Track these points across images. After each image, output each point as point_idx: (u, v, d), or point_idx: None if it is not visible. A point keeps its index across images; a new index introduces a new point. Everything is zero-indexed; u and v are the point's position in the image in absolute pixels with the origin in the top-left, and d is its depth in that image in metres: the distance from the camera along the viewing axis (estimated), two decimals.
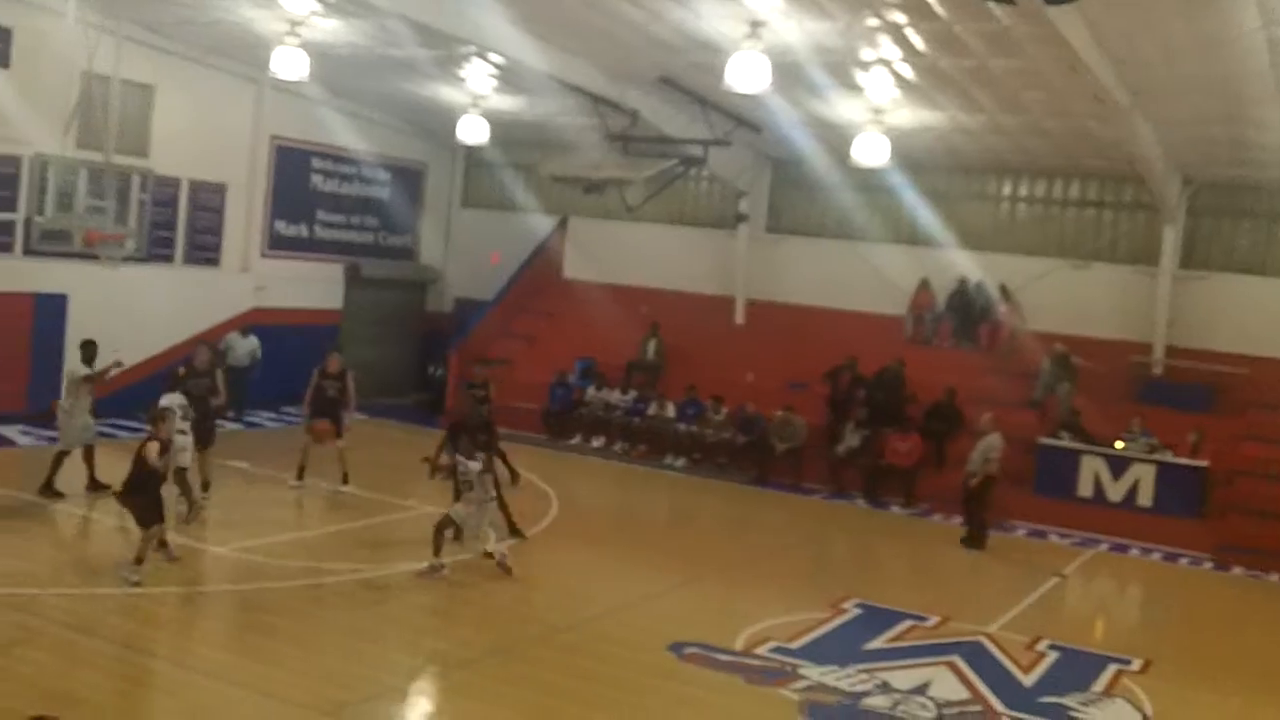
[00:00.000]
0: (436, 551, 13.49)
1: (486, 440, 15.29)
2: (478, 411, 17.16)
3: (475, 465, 13.74)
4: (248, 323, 22.78)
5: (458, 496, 13.90)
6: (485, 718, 9.76)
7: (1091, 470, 19.58)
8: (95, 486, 15.31)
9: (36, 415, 17.09)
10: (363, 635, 11.28)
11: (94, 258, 17.70)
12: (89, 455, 15.45)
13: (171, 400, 14.44)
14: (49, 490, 15.07)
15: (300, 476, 17.14)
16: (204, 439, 15.53)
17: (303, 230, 25.32)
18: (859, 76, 17.61)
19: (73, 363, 15.94)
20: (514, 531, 15.20)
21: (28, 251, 19.22)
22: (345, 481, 17.10)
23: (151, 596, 11.96)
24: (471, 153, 27.01)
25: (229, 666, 10.15)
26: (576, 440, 23.30)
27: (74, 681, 9.48)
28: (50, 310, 19.61)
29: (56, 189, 16.76)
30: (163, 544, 12.70)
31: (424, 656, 11.23)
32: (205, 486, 15.68)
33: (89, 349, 15.61)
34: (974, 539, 17.55)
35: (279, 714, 9.18)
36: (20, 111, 18.30)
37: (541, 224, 27.21)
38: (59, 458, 15.25)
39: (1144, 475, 19.26)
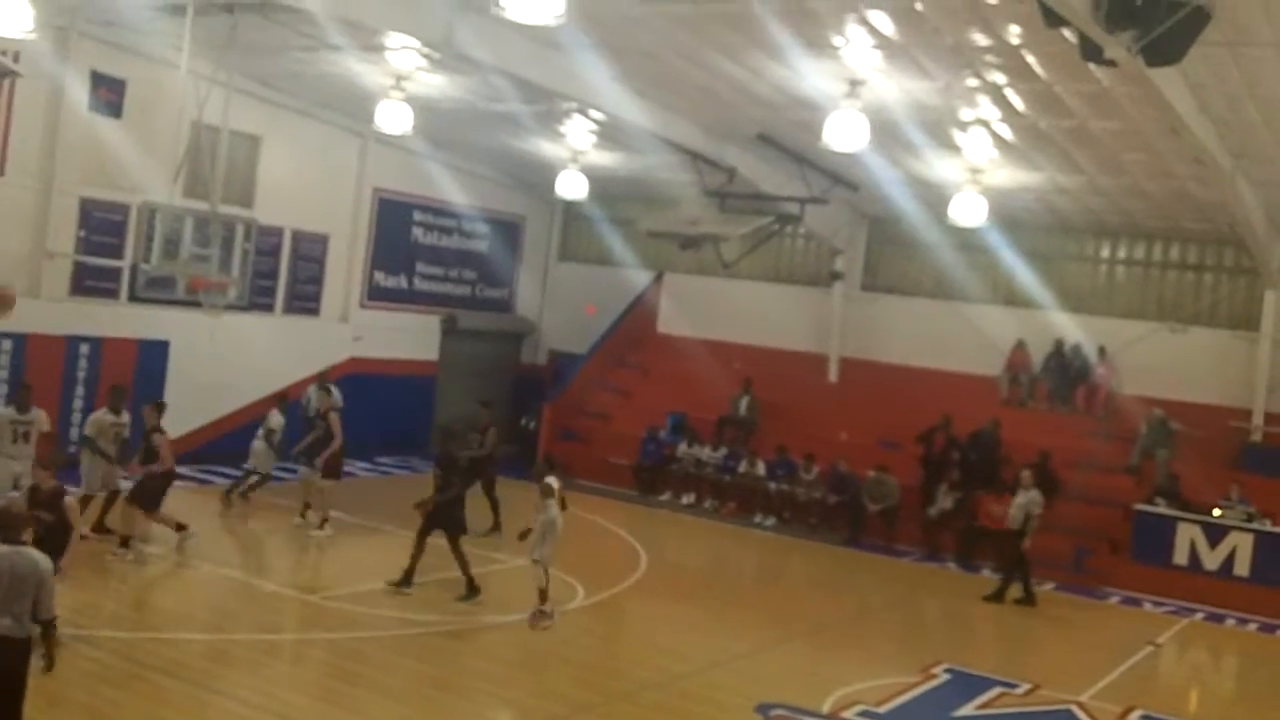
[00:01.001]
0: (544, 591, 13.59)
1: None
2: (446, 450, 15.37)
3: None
4: (349, 372, 23.04)
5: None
6: None
7: (1188, 537, 19.02)
8: (100, 529, 15.12)
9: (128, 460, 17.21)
10: (447, 687, 11.27)
11: (197, 305, 18.13)
12: (110, 500, 15.35)
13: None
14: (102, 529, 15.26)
15: None
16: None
17: (402, 281, 25.71)
18: (957, 136, 17.50)
19: (100, 412, 15.81)
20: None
21: (133, 298, 19.76)
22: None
23: (238, 642, 12.09)
24: (570, 207, 27.27)
25: (311, 713, 10.20)
26: (667, 496, 23.21)
27: None
28: (153, 356, 20.04)
29: (163, 236, 17.21)
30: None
31: (507, 709, 11.19)
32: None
33: (118, 396, 15.60)
34: (999, 595, 17.48)
35: None
36: (131, 160, 18.89)
37: (638, 278, 27.32)
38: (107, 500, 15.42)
39: (1241, 543, 18.65)
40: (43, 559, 7.87)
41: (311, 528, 17.08)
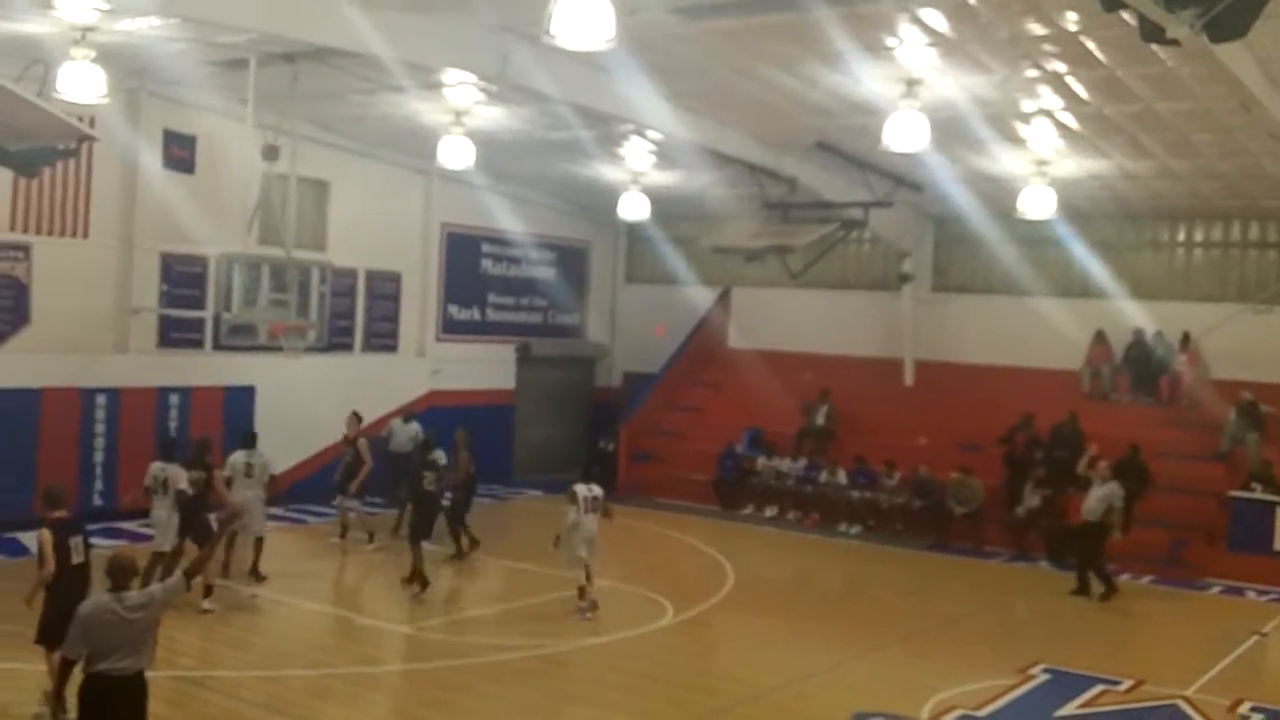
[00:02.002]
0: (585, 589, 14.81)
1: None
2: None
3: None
4: (428, 405, 23.33)
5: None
6: None
7: None
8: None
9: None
10: (543, 712, 11.36)
11: (278, 349, 18.50)
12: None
13: None
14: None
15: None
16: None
17: (475, 313, 26.02)
18: (1020, 128, 17.35)
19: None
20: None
21: (217, 346, 20.21)
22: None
23: (338, 676, 12.27)
24: (633, 229, 27.44)
25: None
26: (749, 510, 23.19)
27: None
28: (240, 402, 20.47)
29: (241, 285, 17.59)
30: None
31: None
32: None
33: (168, 449, 15.29)
34: (1084, 588, 17.42)
35: None
36: (205, 214, 19.36)
37: (704, 296, 27.38)
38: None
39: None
40: (151, 592, 8.20)
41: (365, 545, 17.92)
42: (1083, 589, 17.36)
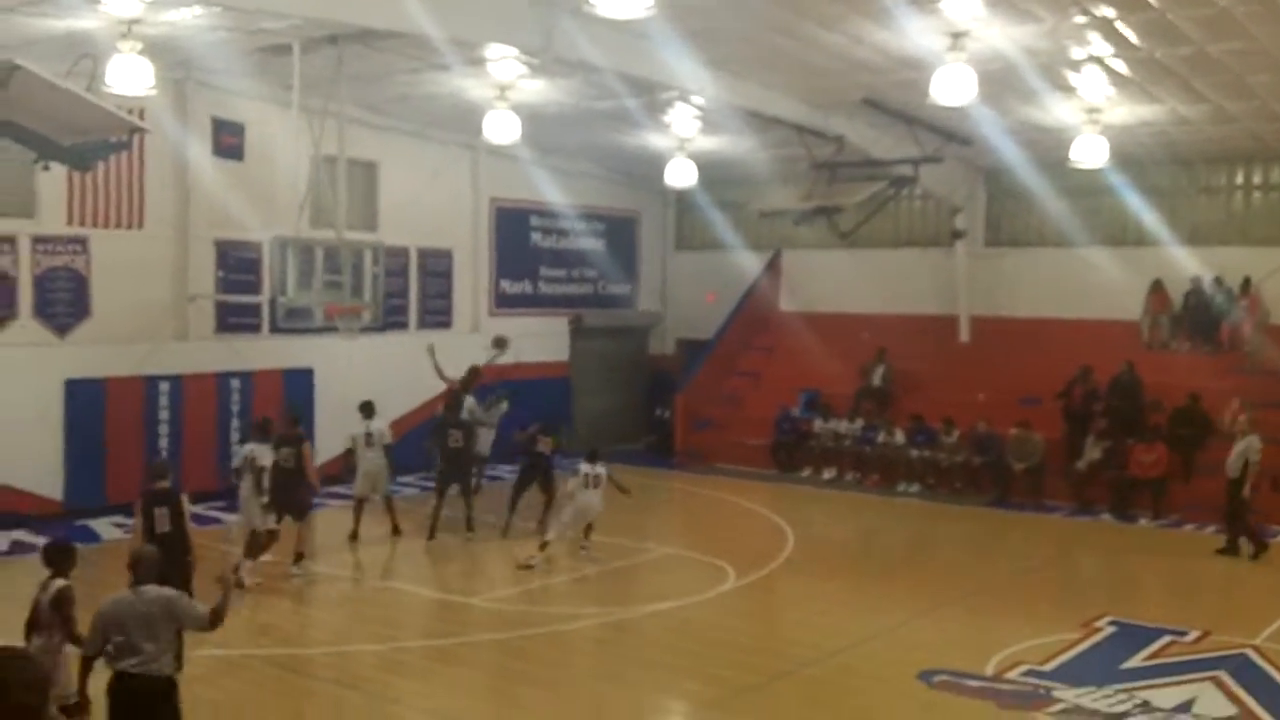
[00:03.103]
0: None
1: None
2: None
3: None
4: (484, 380, 23.41)
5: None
6: None
7: None
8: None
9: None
10: (613, 678, 11.47)
11: (334, 330, 18.69)
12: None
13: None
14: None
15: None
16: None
17: (527, 287, 26.12)
18: (1070, 77, 17.11)
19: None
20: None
21: (274, 330, 20.43)
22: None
23: (408, 650, 12.47)
24: (681, 196, 27.38)
25: (484, 715, 10.48)
26: (807, 473, 23.19)
27: None
28: (299, 384, 20.72)
29: (295, 269, 17.77)
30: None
31: (673, 696, 11.35)
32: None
33: (262, 429, 15.32)
34: (1234, 547, 16.74)
35: None
36: (256, 199, 19.56)
37: (755, 260, 27.31)
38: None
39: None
40: (168, 593, 7.94)
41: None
42: (1230, 548, 16.77)
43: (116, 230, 18.86)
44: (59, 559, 8.57)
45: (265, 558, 14.64)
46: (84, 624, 8.03)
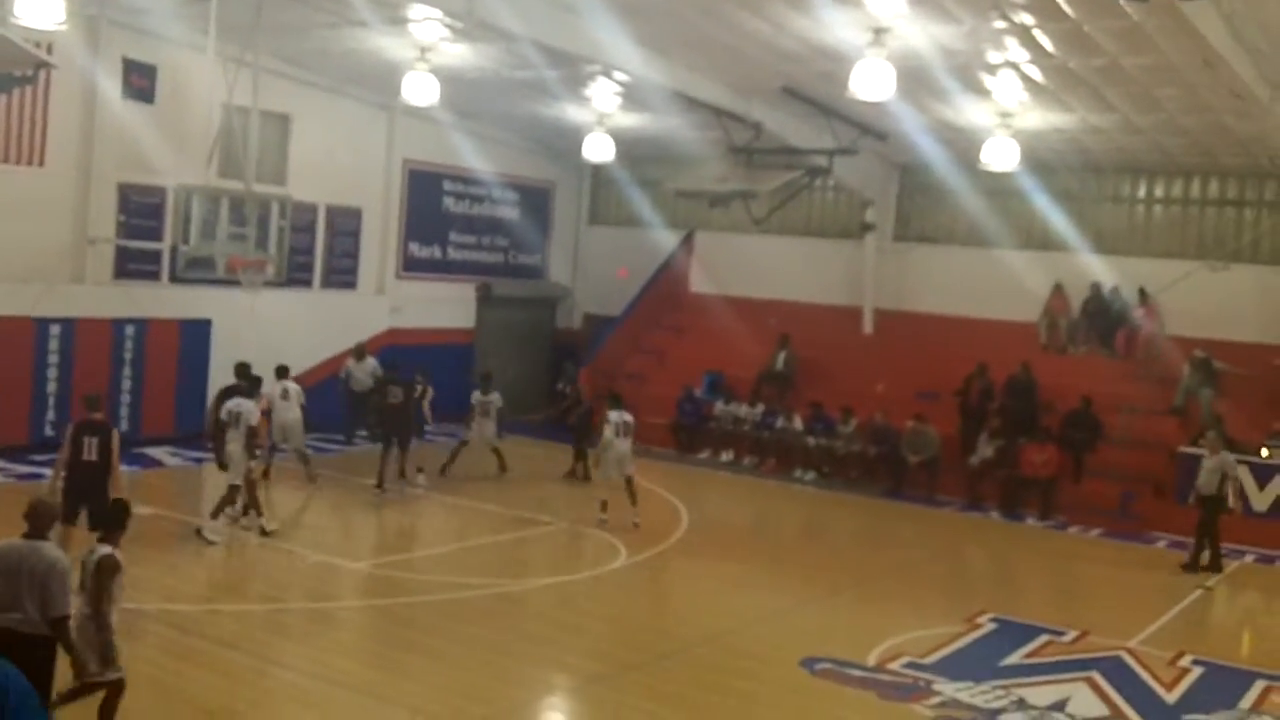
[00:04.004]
0: (633, 501, 16.67)
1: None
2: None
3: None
4: (387, 343, 23.24)
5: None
6: None
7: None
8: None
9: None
10: (499, 649, 11.44)
11: (236, 284, 18.35)
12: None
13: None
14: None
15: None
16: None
17: (436, 252, 25.87)
18: (986, 80, 17.37)
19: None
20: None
21: (174, 279, 20.02)
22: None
23: (293, 612, 12.32)
24: (597, 170, 27.28)
25: (368, 680, 10.39)
26: (706, 454, 23.32)
27: (224, 694, 9.82)
28: (195, 335, 20.33)
29: (200, 218, 17.40)
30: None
31: (560, 671, 11.36)
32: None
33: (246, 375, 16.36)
34: (1198, 563, 16.64)
35: None
36: (165, 144, 19.10)
37: (668, 239, 27.34)
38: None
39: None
40: (60, 556, 7.78)
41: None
42: (1193, 564, 16.65)
43: (15, 166, 18.33)
44: (110, 521, 8.45)
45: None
46: None
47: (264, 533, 14.84)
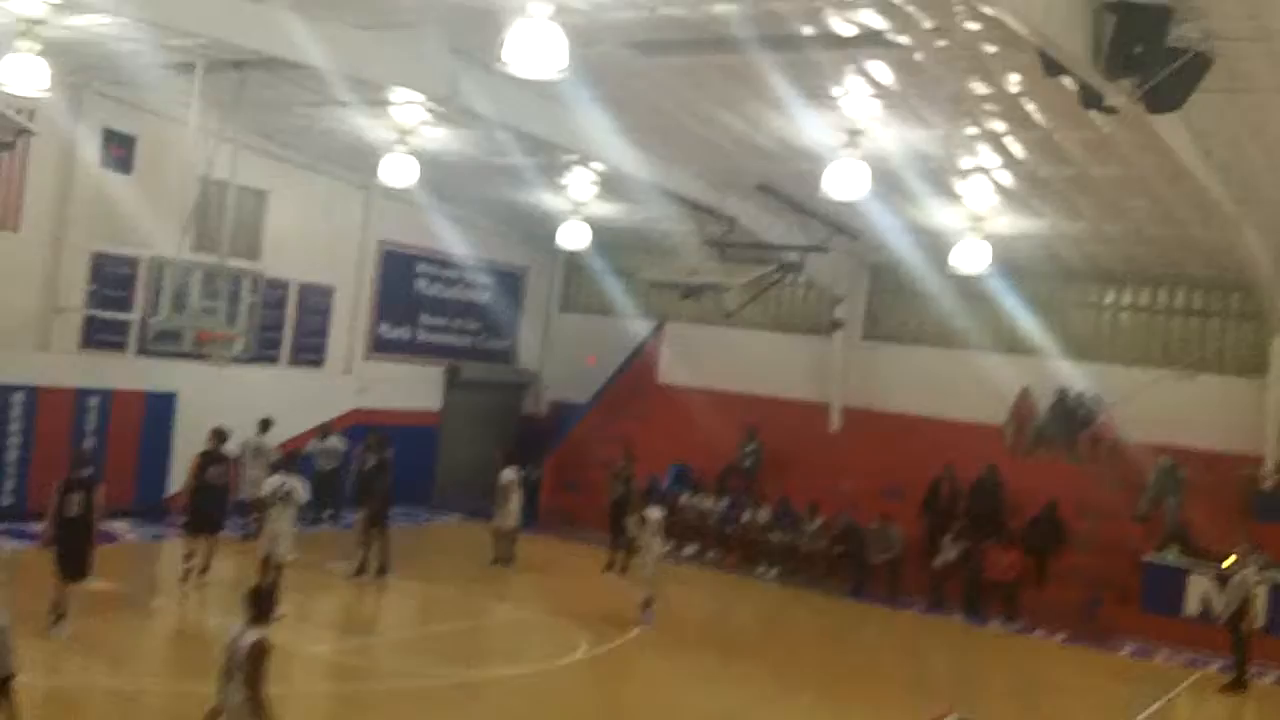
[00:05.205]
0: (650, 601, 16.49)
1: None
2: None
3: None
4: (351, 423, 23.08)
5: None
6: None
7: (1200, 587, 18.82)
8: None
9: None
10: None
11: (203, 357, 18.23)
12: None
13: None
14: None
15: None
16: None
17: (406, 333, 25.82)
18: (957, 184, 17.65)
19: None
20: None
21: (141, 350, 19.87)
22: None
23: None
24: (571, 257, 27.37)
25: None
26: (669, 546, 23.09)
27: None
28: (159, 408, 20.15)
29: (172, 290, 17.33)
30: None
31: None
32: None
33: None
34: (1237, 684, 16.29)
35: None
36: (141, 215, 19.06)
37: (639, 328, 27.41)
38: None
39: (1256, 594, 18.41)
40: (3, 616, 7.91)
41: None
42: (1238, 684, 16.14)
43: None
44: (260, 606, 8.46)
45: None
46: None
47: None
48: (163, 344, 18.51)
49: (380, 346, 25.20)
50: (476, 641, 15.39)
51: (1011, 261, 21.10)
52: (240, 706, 8.05)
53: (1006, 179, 17.14)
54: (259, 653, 8.09)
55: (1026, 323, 22.94)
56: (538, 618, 16.60)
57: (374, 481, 18.29)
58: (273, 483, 15.45)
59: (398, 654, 14.26)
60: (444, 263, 26.12)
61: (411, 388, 25.40)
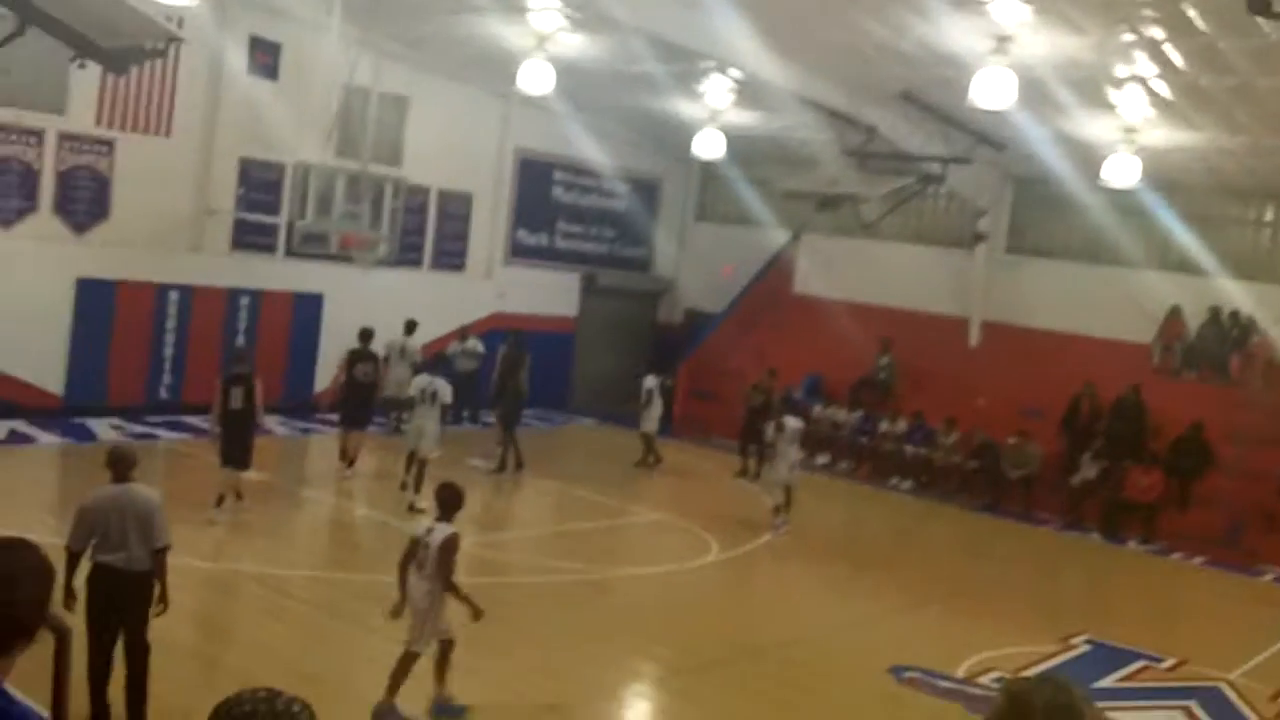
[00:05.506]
0: (786, 508, 16.74)
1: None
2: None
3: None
4: (491, 327, 23.47)
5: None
6: None
7: None
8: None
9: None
10: (586, 636, 11.51)
11: (348, 260, 18.69)
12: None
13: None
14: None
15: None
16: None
17: (543, 239, 26.08)
18: (1111, 94, 17.02)
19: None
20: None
21: (289, 253, 20.42)
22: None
23: (391, 584, 12.50)
24: (707, 167, 27.24)
25: (457, 655, 10.48)
26: (801, 456, 23.13)
27: (317, 658, 10.02)
28: (307, 308, 20.77)
29: (316, 195, 17.76)
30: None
31: (647, 660, 11.39)
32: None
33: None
34: None
35: (505, 704, 9.39)
36: (285, 121, 19.47)
37: (775, 238, 27.23)
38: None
39: None
40: (153, 494, 8.21)
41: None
42: None
43: (143, 136, 18.83)
44: (451, 503, 8.98)
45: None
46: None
47: (413, 509, 14.95)
48: (309, 247, 19.04)
49: (518, 252, 25.51)
50: (610, 541, 15.69)
51: (1165, 175, 20.34)
52: (424, 597, 8.69)
53: (1163, 89, 16.47)
54: (451, 545, 8.68)
55: (1179, 239, 22.16)
56: (670, 520, 16.83)
57: (507, 381, 18.76)
58: (419, 382, 15.91)
59: (532, 550, 14.64)
60: (580, 171, 26.21)
61: (549, 294, 25.71)
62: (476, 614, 8.90)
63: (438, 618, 8.87)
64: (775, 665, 11.30)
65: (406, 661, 8.85)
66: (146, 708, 7.98)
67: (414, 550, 8.86)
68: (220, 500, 13.60)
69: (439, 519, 8.91)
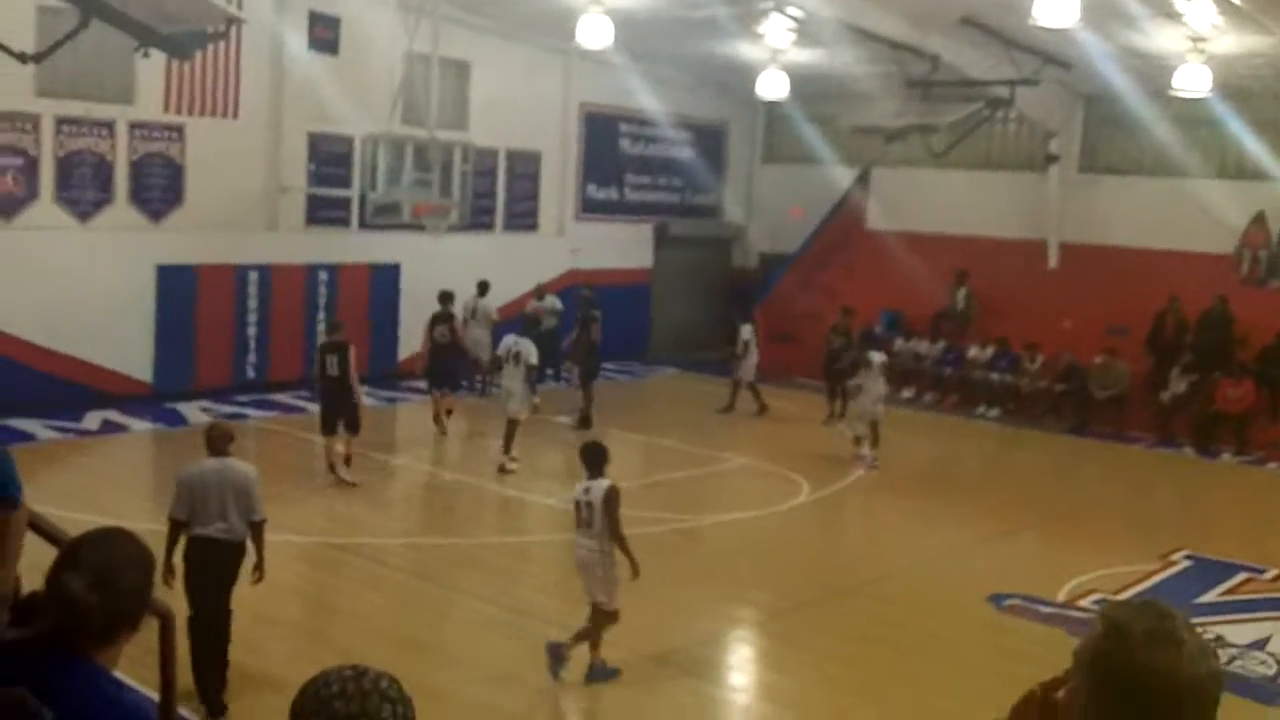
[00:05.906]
0: (874, 444, 16.78)
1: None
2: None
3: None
4: (567, 284, 23.58)
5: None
6: (807, 665, 9.97)
7: None
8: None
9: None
10: (682, 584, 11.63)
11: (421, 229, 18.89)
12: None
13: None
14: None
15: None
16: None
17: (613, 193, 26.12)
18: (1177, 2, 16.62)
19: None
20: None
21: (363, 225, 20.68)
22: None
23: (485, 546, 12.75)
24: (771, 108, 26.99)
25: (551, 610, 10.64)
26: (886, 392, 23.06)
27: (414, 624, 10.26)
28: (385, 279, 21.03)
29: (385, 165, 17.93)
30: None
31: (743, 605, 11.52)
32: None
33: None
34: None
35: (615, 659, 9.50)
36: (349, 94, 19.64)
37: (843, 176, 27.02)
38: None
39: None
40: (250, 468, 8.50)
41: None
42: None
43: (212, 119, 19.10)
44: (598, 459, 9.24)
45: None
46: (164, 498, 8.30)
47: (503, 470, 15.38)
48: (382, 217, 19.25)
49: (589, 208, 25.59)
50: (700, 489, 15.80)
51: (1237, 83, 19.84)
52: (590, 554, 8.98)
53: None
54: (613, 497, 8.94)
55: (1256, 146, 21.65)
56: (759, 465, 16.91)
57: (580, 337, 18.94)
58: (506, 343, 16.12)
59: (624, 503, 14.75)
60: (645, 122, 26.16)
61: (623, 247, 25.78)
62: (635, 571, 8.99)
63: (612, 570, 9.03)
64: (872, 601, 11.38)
65: (600, 619, 9.08)
66: (227, 673, 8.22)
67: (576, 511, 9.04)
68: (332, 467, 14.28)
69: (590, 476, 9.10)
